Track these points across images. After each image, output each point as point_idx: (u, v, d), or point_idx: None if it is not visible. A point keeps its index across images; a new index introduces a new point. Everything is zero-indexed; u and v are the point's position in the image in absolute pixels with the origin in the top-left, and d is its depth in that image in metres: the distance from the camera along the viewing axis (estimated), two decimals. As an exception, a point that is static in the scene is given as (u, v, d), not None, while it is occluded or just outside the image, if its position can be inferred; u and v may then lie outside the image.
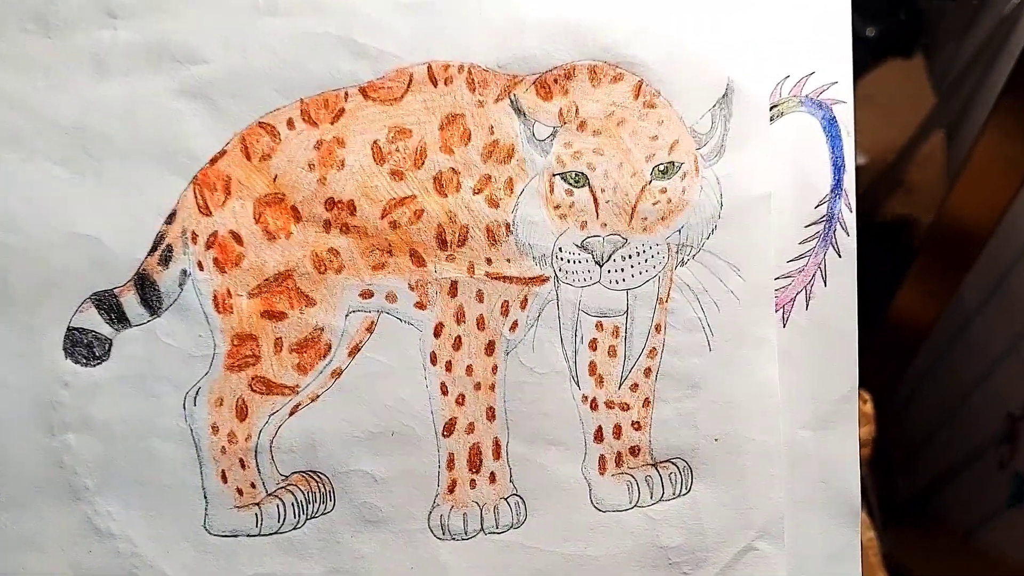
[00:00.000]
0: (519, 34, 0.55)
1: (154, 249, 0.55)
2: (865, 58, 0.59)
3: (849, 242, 0.58)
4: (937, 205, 0.79)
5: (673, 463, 0.57)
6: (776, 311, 0.58)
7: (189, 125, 0.54)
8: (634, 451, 0.58)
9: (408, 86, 0.55)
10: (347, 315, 0.56)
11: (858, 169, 0.59)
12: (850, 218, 0.58)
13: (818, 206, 0.58)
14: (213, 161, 0.55)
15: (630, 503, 0.57)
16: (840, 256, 0.58)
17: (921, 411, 0.82)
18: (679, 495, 0.57)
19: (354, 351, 0.56)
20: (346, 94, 0.55)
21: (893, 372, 0.57)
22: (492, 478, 0.57)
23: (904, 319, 0.77)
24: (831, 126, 0.58)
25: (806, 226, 0.58)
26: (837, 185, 0.58)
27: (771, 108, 0.57)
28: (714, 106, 0.56)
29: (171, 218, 0.55)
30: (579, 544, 0.57)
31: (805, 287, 0.58)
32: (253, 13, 0.54)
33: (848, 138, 0.58)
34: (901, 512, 0.57)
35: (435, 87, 0.55)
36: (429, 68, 0.55)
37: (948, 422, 0.81)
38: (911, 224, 0.81)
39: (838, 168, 0.58)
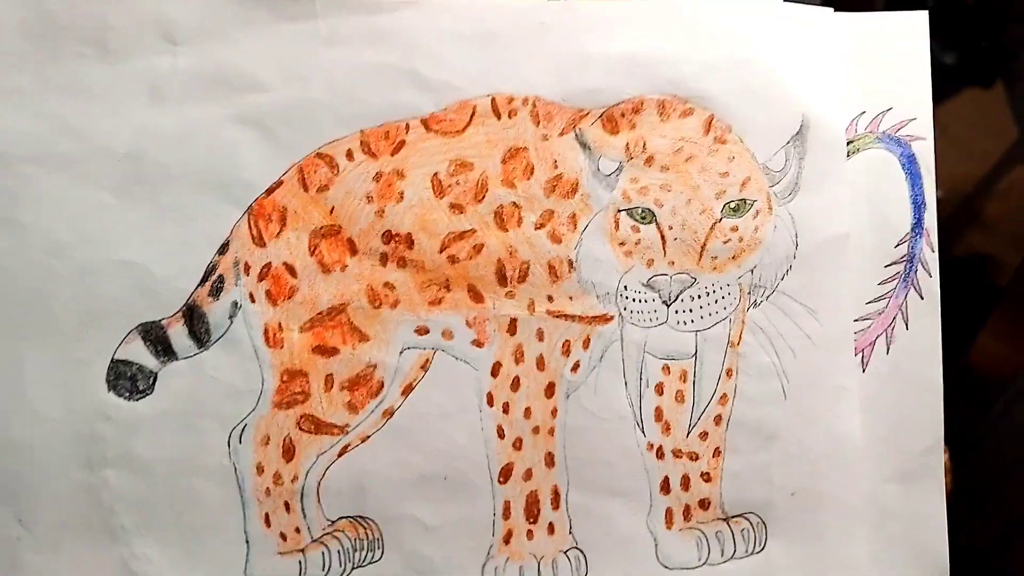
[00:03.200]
0: (584, 67, 0.54)
1: (205, 279, 0.53)
2: (942, 87, 0.57)
3: (931, 283, 0.56)
4: (1017, 242, 0.76)
5: (746, 518, 0.55)
6: (855, 355, 0.55)
7: (246, 154, 0.53)
8: (704, 504, 0.55)
9: (471, 119, 0.54)
10: (401, 352, 0.54)
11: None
12: (932, 258, 0.56)
13: (898, 245, 0.56)
14: (269, 191, 0.53)
15: (699, 560, 0.54)
16: (922, 298, 0.56)
17: (993, 458, 0.77)
18: (752, 553, 0.55)
19: (407, 390, 0.54)
20: (407, 126, 0.54)
21: (969, 421, 0.55)
22: (551, 529, 0.54)
23: (984, 367, 0.73)
24: (910, 163, 0.56)
25: (886, 266, 0.56)
26: (918, 224, 0.56)
27: (847, 144, 0.55)
28: (788, 143, 0.54)
29: (224, 248, 0.53)
30: (643, 603, 0.54)
31: (885, 330, 0.56)
32: (314, 42, 0.54)
33: (928, 175, 0.56)
34: (963, 565, 0.55)
35: (498, 120, 0.54)
36: (493, 101, 0.54)
37: (1021, 471, 0.76)
38: (989, 261, 0.78)
39: (918, 206, 0.56)
